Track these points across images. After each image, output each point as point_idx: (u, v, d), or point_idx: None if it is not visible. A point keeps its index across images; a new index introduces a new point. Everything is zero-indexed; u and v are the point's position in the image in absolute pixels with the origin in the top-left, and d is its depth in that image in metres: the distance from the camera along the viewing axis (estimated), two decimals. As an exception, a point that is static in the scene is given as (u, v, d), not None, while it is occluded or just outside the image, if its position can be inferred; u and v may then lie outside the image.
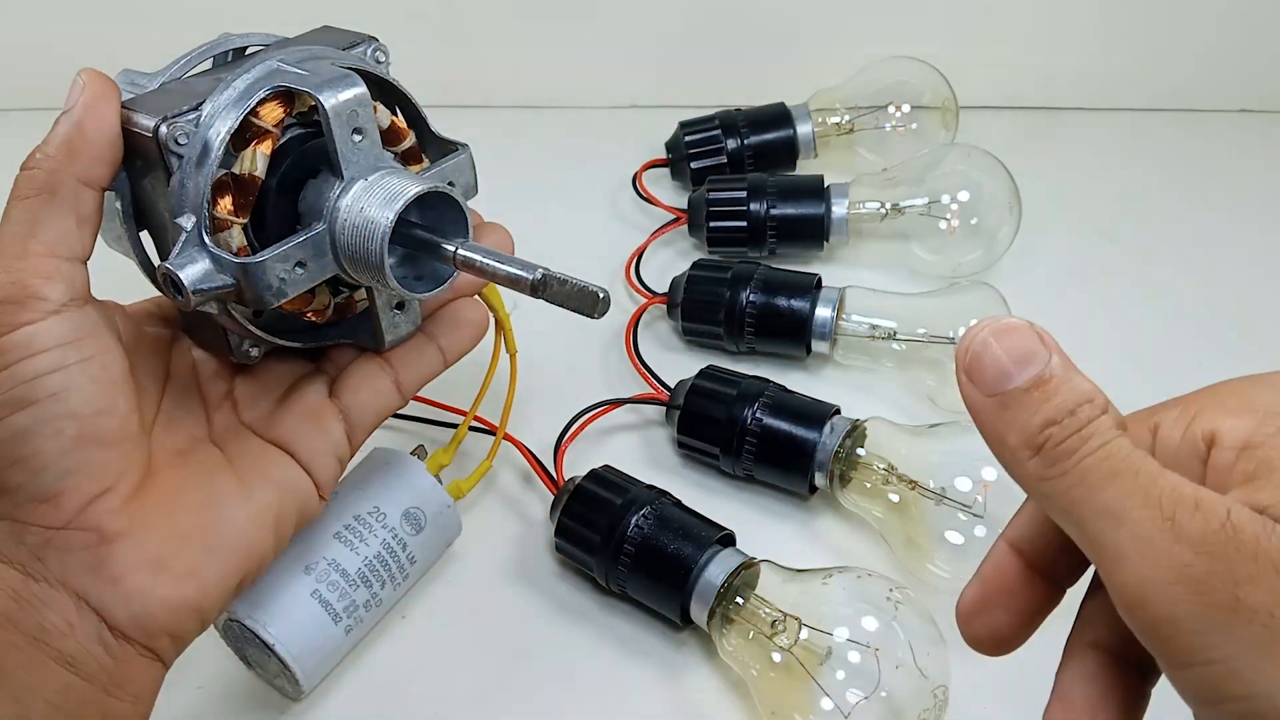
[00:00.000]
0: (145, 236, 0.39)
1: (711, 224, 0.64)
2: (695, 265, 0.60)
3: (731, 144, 0.69)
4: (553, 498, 0.50)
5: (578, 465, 0.51)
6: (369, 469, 0.47)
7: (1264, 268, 0.67)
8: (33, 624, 0.33)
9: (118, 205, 0.38)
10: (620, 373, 0.59)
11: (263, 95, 0.36)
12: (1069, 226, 0.70)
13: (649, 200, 0.69)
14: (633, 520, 0.46)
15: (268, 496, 0.38)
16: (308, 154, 0.38)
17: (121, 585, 0.34)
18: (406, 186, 0.36)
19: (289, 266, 0.35)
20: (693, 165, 0.69)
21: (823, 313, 0.56)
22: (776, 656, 0.42)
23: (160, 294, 0.40)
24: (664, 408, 0.55)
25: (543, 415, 0.53)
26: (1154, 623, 0.23)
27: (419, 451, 0.49)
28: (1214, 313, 0.63)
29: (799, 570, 0.44)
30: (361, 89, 0.36)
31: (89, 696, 0.33)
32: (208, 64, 0.41)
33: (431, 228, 0.37)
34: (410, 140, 0.40)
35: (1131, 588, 0.23)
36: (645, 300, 0.61)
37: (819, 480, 0.50)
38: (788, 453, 0.50)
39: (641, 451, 0.55)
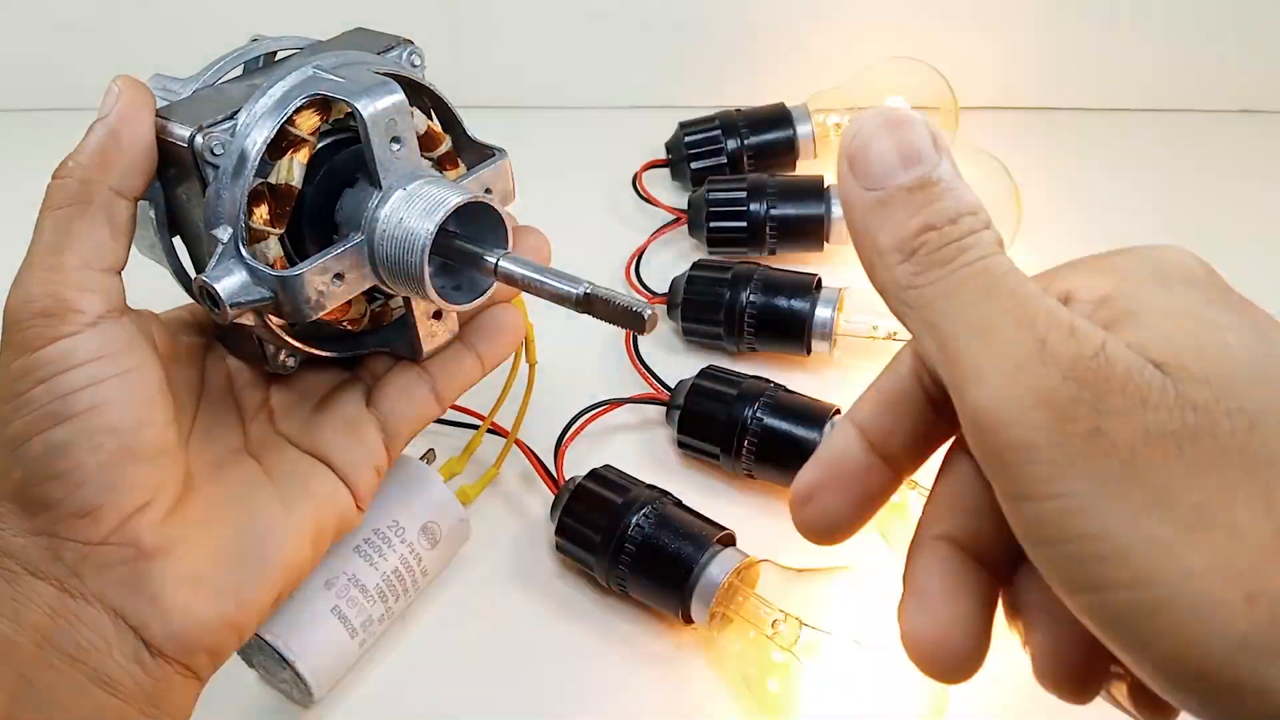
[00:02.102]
0: (179, 244, 0.39)
1: (711, 224, 0.64)
2: (695, 265, 0.60)
3: (731, 144, 0.69)
4: (553, 497, 0.50)
5: (578, 465, 0.51)
6: (387, 478, 0.46)
7: (1264, 267, 0.67)
8: (70, 642, 0.32)
9: (151, 214, 0.37)
10: (620, 372, 0.59)
11: (299, 103, 0.35)
12: (1069, 227, 0.70)
13: (649, 200, 0.69)
14: (633, 520, 0.46)
15: (307, 510, 0.37)
16: (344, 162, 0.37)
17: (160, 602, 0.33)
18: (446, 197, 0.35)
19: (327, 279, 0.35)
20: (693, 165, 0.69)
21: (823, 313, 0.56)
22: (777, 656, 0.42)
23: (193, 302, 0.40)
24: (664, 408, 0.55)
25: (543, 415, 0.53)
26: (1007, 447, 0.21)
27: (429, 455, 0.49)
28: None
29: (799, 570, 0.44)
30: (400, 96, 0.35)
31: (125, 717, 0.33)
32: (238, 68, 0.40)
33: (471, 238, 0.36)
34: (446, 145, 0.40)
35: (989, 409, 0.21)
36: (645, 300, 0.61)
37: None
38: (788, 452, 0.50)
39: (642, 451, 0.55)
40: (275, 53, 0.40)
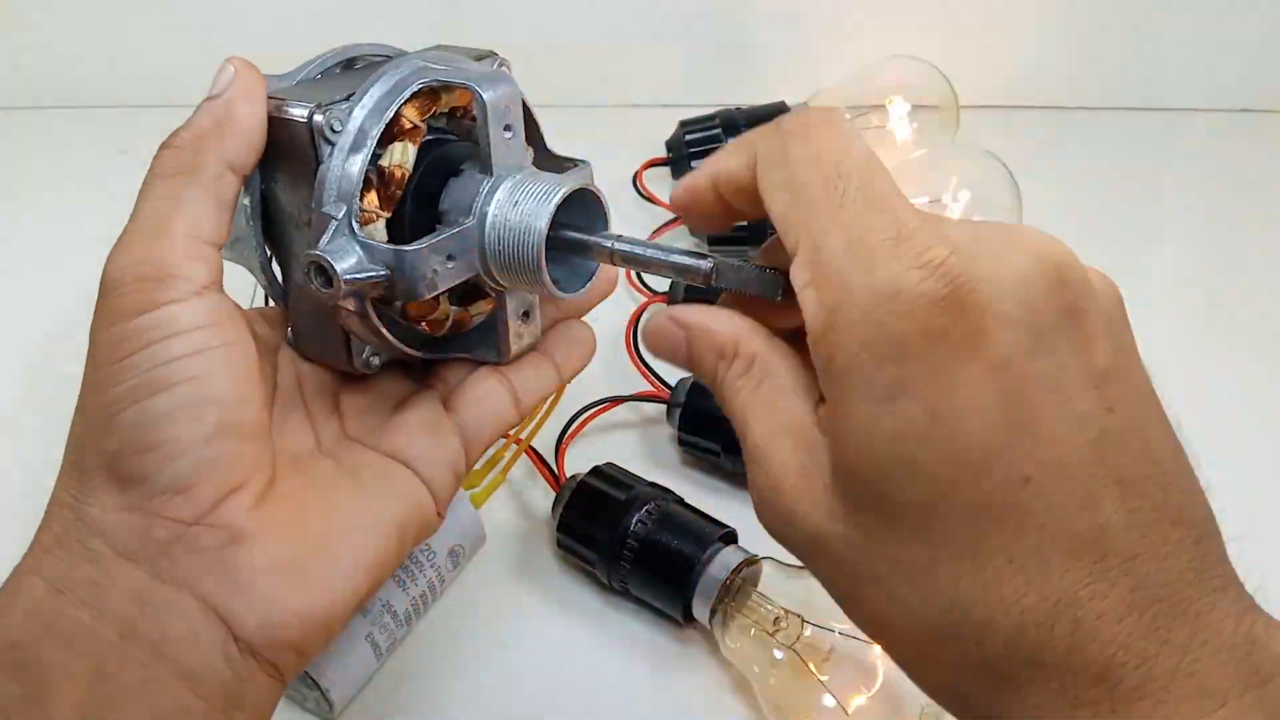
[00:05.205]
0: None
1: (712, 223, 0.64)
2: (696, 264, 0.60)
3: (732, 143, 0.69)
4: (554, 495, 0.50)
5: (579, 463, 0.51)
6: None
7: (1265, 266, 0.67)
8: (156, 632, 0.30)
9: (245, 201, 0.36)
10: (620, 371, 0.59)
11: (417, 87, 0.35)
12: (1069, 226, 0.69)
13: (649, 199, 0.69)
14: (635, 518, 0.46)
15: (392, 507, 0.36)
16: (449, 153, 0.37)
17: (252, 592, 0.31)
18: (558, 183, 0.35)
19: (441, 259, 0.34)
20: (693, 165, 0.69)
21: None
22: (779, 654, 0.42)
23: (262, 307, 0.39)
24: (664, 406, 0.55)
25: (544, 413, 0.53)
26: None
27: None
28: (1214, 311, 0.63)
29: (801, 567, 0.44)
30: (514, 86, 0.35)
31: (206, 718, 0.31)
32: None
33: (580, 226, 0.36)
34: (530, 155, 0.39)
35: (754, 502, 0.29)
36: (645, 299, 0.61)
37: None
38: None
39: (642, 450, 0.55)
40: (355, 60, 0.40)
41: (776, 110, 0.70)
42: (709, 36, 0.79)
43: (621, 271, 0.64)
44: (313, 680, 0.41)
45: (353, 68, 0.40)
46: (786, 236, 0.27)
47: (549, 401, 0.48)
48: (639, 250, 0.34)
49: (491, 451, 0.50)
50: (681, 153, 0.70)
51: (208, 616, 0.31)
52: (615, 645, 0.47)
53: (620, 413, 0.56)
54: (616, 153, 0.73)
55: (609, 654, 0.47)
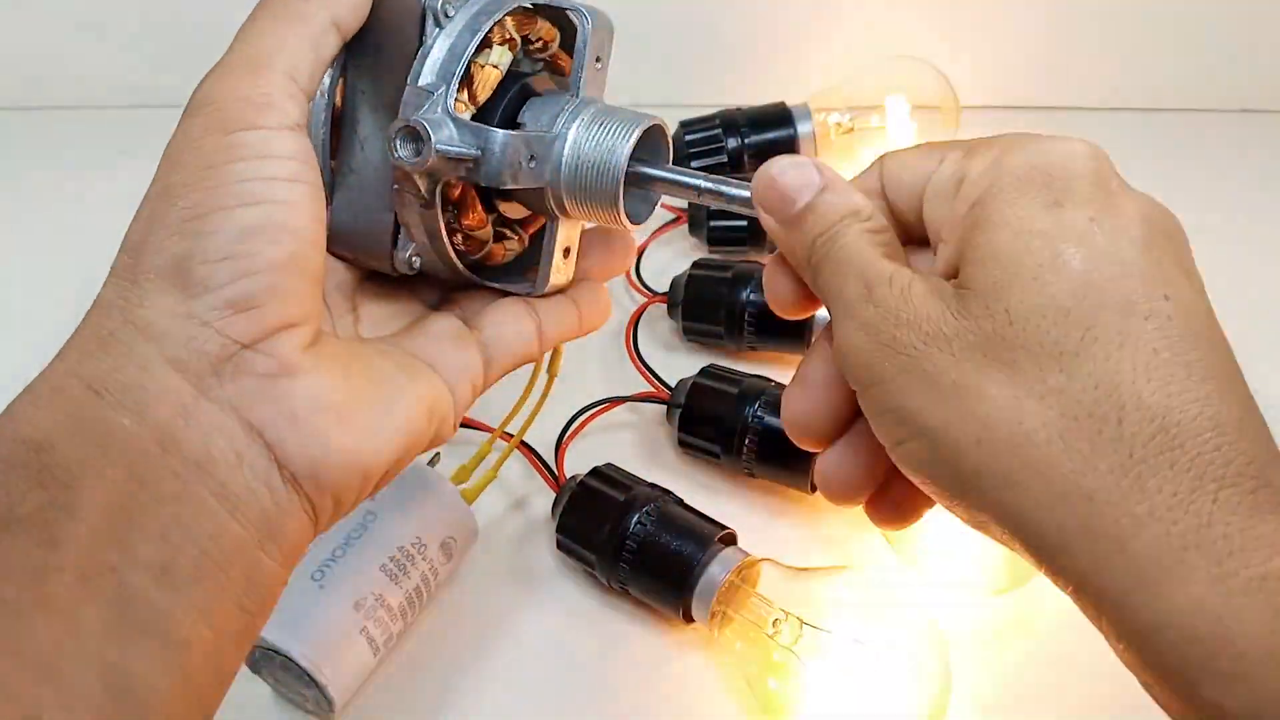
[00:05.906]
0: None
1: (712, 223, 0.64)
2: (696, 265, 0.60)
3: (732, 143, 0.69)
4: (554, 496, 0.50)
5: (578, 464, 0.51)
6: (407, 489, 0.46)
7: (1264, 267, 0.67)
8: (198, 448, 0.29)
9: (326, 80, 0.36)
10: (620, 372, 0.59)
11: (527, 3, 0.36)
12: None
13: (649, 199, 0.69)
14: (634, 518, 0.46)
15: (420, 387, 0.35)
16: (528, 83, 0.38)
17: (301, 424, 0.31)
18: (639, 115, 0.36)
19: (526, 156, 0.35)
20: (693, 164, 0.69)
21: (824, 312, 0.56)
22: (777, 655, 0.42)
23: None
24: (664, 407, 0.55)
25: (543, 413, 0.53)
26: (847, 360, 0.30)
27: (435, 460, 0.49)
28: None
29: (800, 569, 0.44)
30: (610, 22, 0.37)
31: (241, 546, 0.30)
32: None
33: (646, 161, 0.37)
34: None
35: (839, 338, 0.30)
36: (645, 300, 0.61)
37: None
38: (789, 451, 0.50)
39: (642, 450, 0.55)
40: None
41: (777, 110, 0.70)
42: (709, 36, 0.79)
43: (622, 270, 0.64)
44: (310, 678, 0.41)
45: None
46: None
47: (540, 396, 0.48)
48: (725, 188, 0.35)
49: (481, 445, 0.50)
50: (682, 152, 0.70)
51: (253, 440, 0.30)
52: (615, 645, 0.47)
53: (620, 413, 0.56)
54: (616, 153, 0.73)
55: (609, 654, 0.47)
